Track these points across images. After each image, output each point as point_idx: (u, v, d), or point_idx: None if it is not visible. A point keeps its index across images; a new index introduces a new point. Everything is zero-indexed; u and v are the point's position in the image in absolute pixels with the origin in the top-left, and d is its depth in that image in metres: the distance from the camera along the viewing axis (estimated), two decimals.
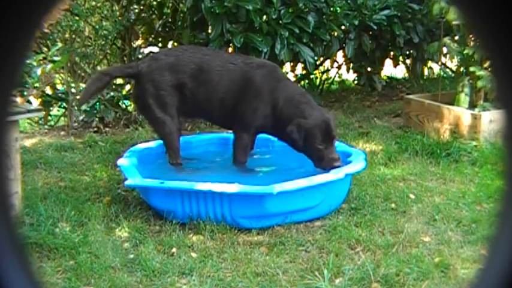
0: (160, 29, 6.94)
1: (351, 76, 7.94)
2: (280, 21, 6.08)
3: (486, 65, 5.53)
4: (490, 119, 5.41)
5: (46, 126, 6.50)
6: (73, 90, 6.31)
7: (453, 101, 5.87)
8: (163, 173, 4.39)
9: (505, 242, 0.83)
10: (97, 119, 6.18)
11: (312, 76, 7.41)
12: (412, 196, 4.46)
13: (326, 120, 4.45)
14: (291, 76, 7.35)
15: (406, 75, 8.32)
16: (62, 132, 6.13)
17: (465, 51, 5.85)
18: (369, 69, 7.31)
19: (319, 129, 4.39)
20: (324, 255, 3.61)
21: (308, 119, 4.42)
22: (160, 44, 6.98)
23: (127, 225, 3.93)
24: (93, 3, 6.65)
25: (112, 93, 6.24)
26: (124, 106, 6.56)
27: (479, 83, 5.62)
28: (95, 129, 6.14)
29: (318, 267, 3.43)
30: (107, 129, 6.14)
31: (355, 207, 4.25)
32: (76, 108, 6.23)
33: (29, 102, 5.62)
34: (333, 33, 6.50)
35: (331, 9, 6.46)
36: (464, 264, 3.47)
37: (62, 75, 6.44)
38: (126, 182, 4.08)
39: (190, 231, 3.88)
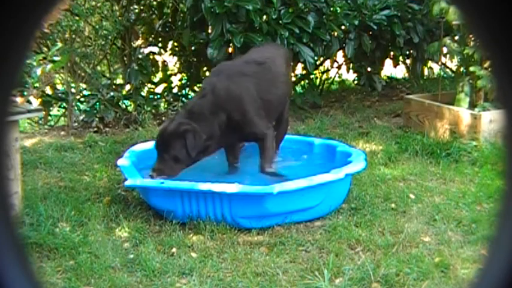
0: (160, 29, 6.94)
1: (351, 76, 7.93)
2: (280, 21, 6.08)
3: (486, 65, 5.53)
4: (490, 119, 5.41)
5: (46, 126, 6.50)
6: (73, 90, 6.31)
7: (453, 101, 5.86)
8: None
9: (505, 242, 0.83)
10: (97, 119, 6.17)
11: (312, 76, 7.41)
12: (412, 196, 4.46)
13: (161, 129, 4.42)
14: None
15: (406, 75, 8.31)
16: (62, 132, 6.13)
17: (465, 51, 5.84)
18: (369, 69, 7.30)
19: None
20: (324, 255, 3.61)
21: None
22: (160, 44, 6.98)
23: (127, 225, 3.93)
24: (93, 3, 6.65)
25: (112, 93, 6.23)
26: (124, 106, 6.55)
27: (479, 83, 5.62)
28: (95, 129, 6.14)
29: (318, 267, 3.43)
30: (107, 129, 6.13)
31: (355, 207, 4.25)
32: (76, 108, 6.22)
33: (29, 102, 5.61)
34: (333, 33, 6.50)
35: (331, 9, 6.46)
36: (464, 264, 3.47)
37: (62, 75, 6.44)
38: (126, 183, 4.07)
39: (190, 231, 3.88)
